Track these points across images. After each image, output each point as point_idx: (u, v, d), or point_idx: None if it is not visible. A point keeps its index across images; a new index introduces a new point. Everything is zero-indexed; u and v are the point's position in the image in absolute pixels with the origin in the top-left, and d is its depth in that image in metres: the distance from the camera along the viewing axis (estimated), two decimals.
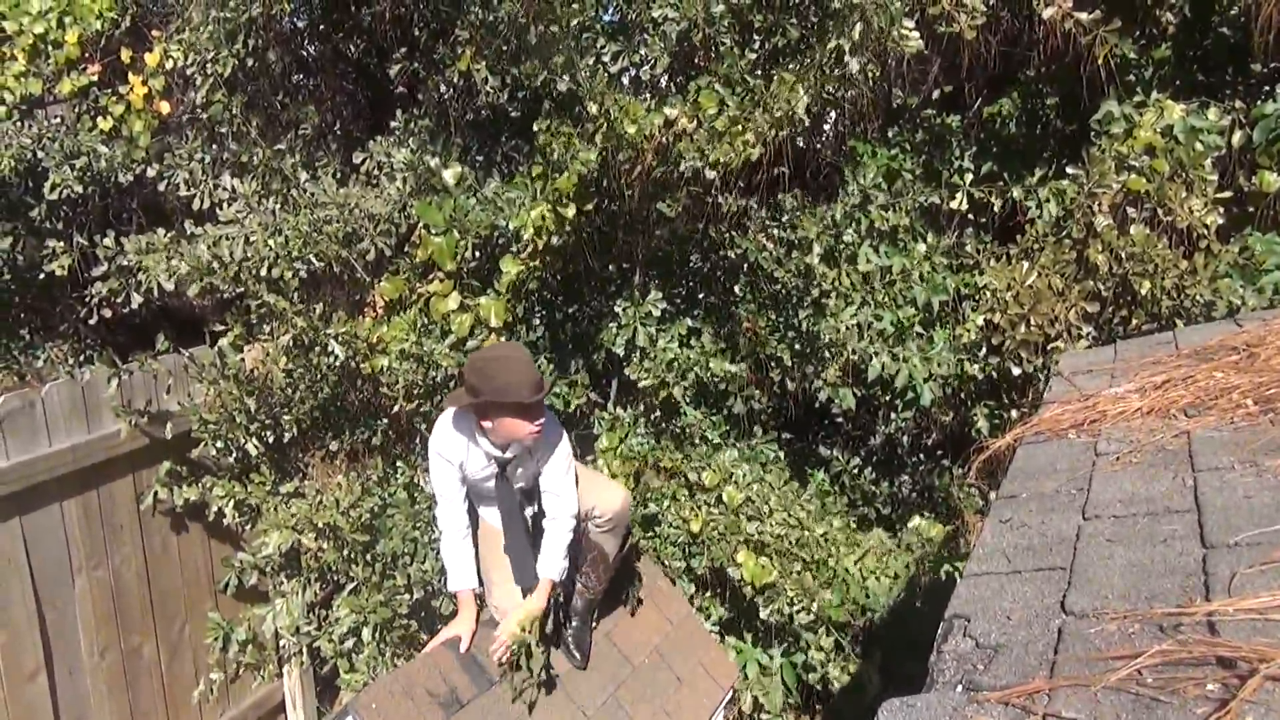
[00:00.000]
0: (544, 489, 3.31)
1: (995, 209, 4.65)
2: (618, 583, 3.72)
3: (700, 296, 4.69)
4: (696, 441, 4.42)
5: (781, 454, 4.64)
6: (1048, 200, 4.24)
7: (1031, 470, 2.23)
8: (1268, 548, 1.50)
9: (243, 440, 4.22)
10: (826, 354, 4.41)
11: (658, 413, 4.58)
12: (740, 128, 3.79)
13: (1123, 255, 3.92)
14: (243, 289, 4.01)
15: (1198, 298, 3.83)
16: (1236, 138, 4.21)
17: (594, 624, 3.63)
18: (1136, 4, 4.60)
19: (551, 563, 3.30)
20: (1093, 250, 3.98)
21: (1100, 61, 4.22)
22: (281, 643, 4.50)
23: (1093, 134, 4.27)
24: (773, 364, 4.57)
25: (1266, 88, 4.49)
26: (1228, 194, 4.08)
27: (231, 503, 4.24)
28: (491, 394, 3.01)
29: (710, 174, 3.87)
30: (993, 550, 1.85)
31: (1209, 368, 2.45)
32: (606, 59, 4.50)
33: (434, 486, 3.35)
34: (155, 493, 4.33)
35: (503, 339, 4.02)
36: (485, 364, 3.07)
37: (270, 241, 4.13)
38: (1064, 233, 4.15)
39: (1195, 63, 4.67)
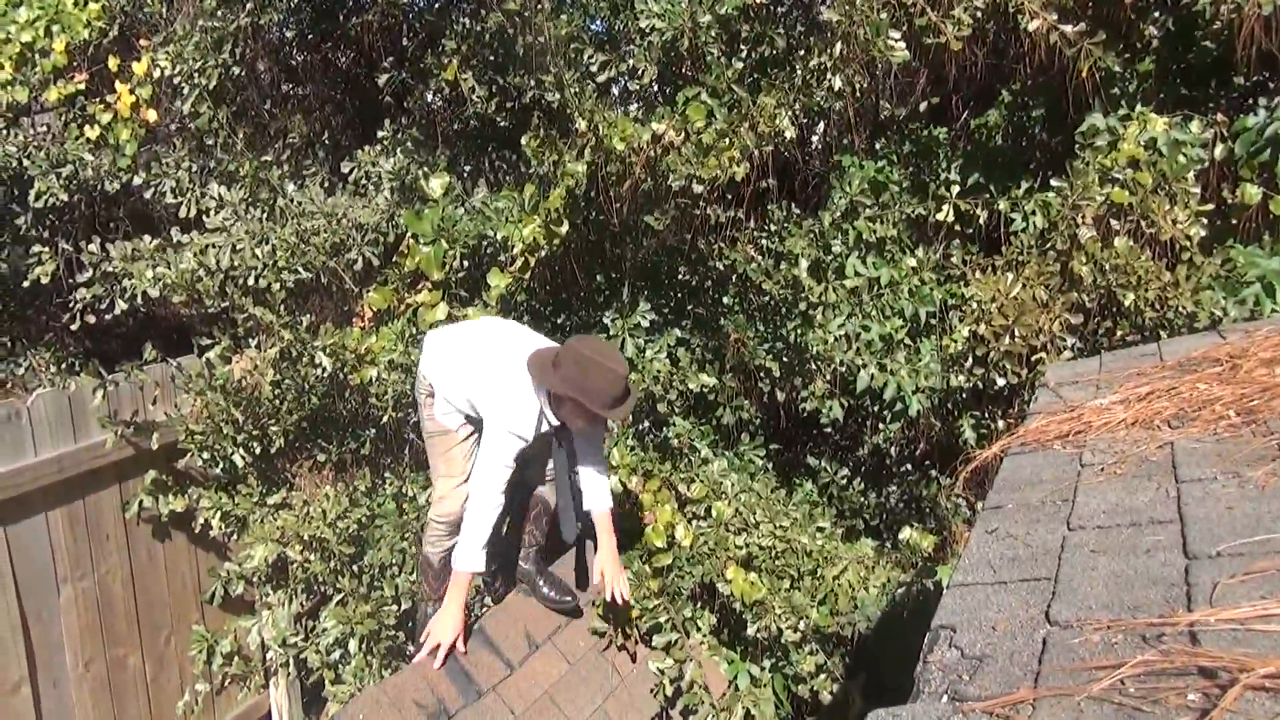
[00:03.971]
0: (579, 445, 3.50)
1: (981, 221, 4.68)
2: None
3: (689, 308, 4.71)
4: (685, 452, 4.43)
5: (769, 464, 4.65)
6: (1033, 212, 4.27)
7: (1017, 481, 2.24)
8: (1249, 558, 1.51)
9: (229, 451, 4.21)
10: (814, 365, 4.43)
11: (646, 423, 4.58)
12: (727, 142, 3.81)
13: (1106, 267, 3.95)
14: (228, 303, 4.01)
15: (1180, 309, 3.86)
16: (1219, 151, 4.25)
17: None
18: (1121, 18, 4.64)
19: (604, 497, 3.51)
20: (1076, 262, 4.01)
21: (1084, 74, 4.25)
22: (268, 654, 4.48)
23: (1077, 146, 4.31)
24: (761, 375, 4.58)
25: (1249, 101, 4.54)
26: (1210, 206, 4.11)
27: (218, 514, 4.23)
28: (575, 390, 3.10)
29: (698, 188, 3.88)
30: (979, 561, 1.86)
31: (1192, 379, 2.47)
32: (594, 69, 4.52)
33: (494, 459, 3.20)
34: (140, 502, 4.32)
35: None
36: (586, 360, 3.13)
37: (257, 250, 4.13)
38: (1048, 245, 4.18)
39: (1178, 76, 4.71)
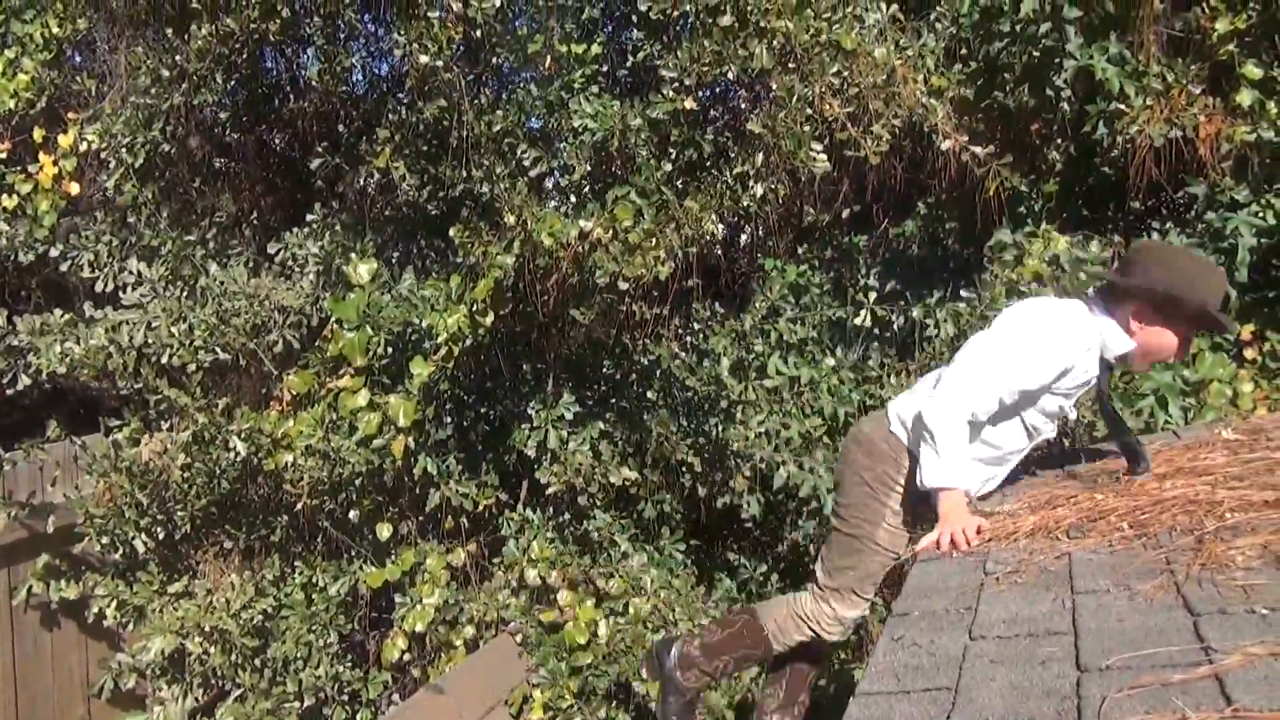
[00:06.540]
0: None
1: (896, 326, 4.85)
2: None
3: (613, 401, 4.74)
4: (605, 546, 4.41)
5: (689, 560, 4.65)
6: (945, 320, 4.45)
7: (924, 588, 2.29)
8: (1136, 672, 1.57)
9: (131, 536, 4.05)
10: (734, 461, 4.48)
11: (567, 515, 4.56)
12: (654, 241, 3.91)
13: None
14: (141, 383, 3.91)
15: (1080, 419, 4.03)
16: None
17: None
18: (1027, 142, 4.95)
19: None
20: None
21: (993, 193, 4.50)
22: None
23: (986, 259, 4.53)
24: (683, 469, 4.61)
25: (1142, 224, 4.85)
26: None
27: (114, 602, 4.04)
28: (1184, 291, 2.49)
29: (623, 285, 3.96)
30: (884, 669, 1.89)
31: (1089, 490, 2.58)
32: (526, 163, 4.61)
33: (1010, 371, 2.53)
34: (30, 588, 4.10)
35: (410, 439, 3.98)
36: (1179, 258, 2.67)
37: (174, 329, 4.06)
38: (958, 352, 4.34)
39: (1080, 198, 5.02)
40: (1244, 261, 4.10)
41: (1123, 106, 4.38)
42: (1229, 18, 4.46)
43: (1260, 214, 4.18)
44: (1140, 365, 2.76)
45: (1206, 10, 4.52)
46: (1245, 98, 4.36)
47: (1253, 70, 4.40)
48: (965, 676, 1.75)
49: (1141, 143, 4.35)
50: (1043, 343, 2.56)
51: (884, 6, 4.62)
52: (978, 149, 4.50)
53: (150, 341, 4.12)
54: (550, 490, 4.27)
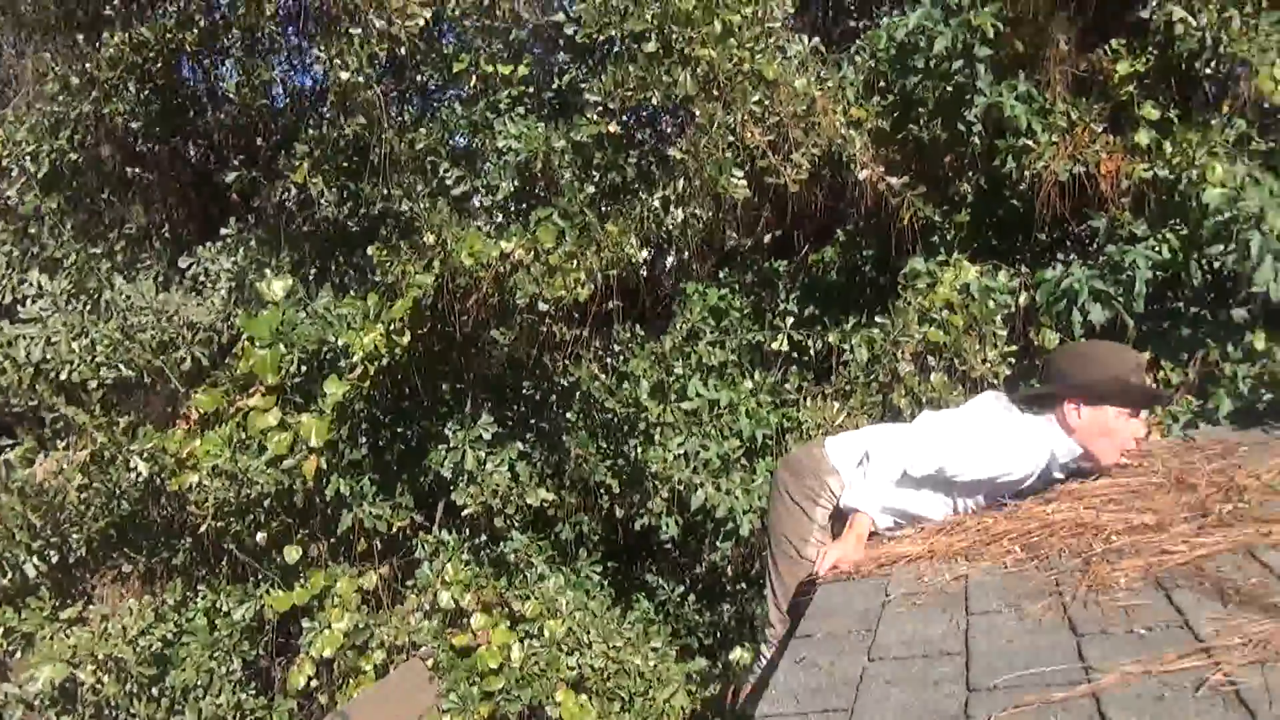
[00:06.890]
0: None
1: (813, 350, 4.93)
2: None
3: (531, 422, 4.72)
4: (521, 568, 4.37)
5: (606, 581, 4.63)
6: (859, 345, 4.54)
7: (828, 610, 2.32)
8: (1020, 691, 1.61)
9: (21, 559, 3.87)
10: (652, 483, 4.48)
11: (483, 537, 4.51)
12: (574, 263, 3.92)
13: (923, 400, 4.23)
14: (37, 401, 3.76)
15: None
16: (1023, 298, 4.66)
17: None
18: (940, 174, 5.09)
19: None
20: (896, 394, 4.27)
21: (907, 222, 4.63)
22: None
23: (899, 287, 4.64)
24: (601, 491, 4.60)
25: (1047, 256, 5.02)
26: (1015, 348, 4.48)
27: (0, 630, 3.85)
28: (1091, 374, 2.67)
29: (543, 306, 3.96)
30: (784, 691, 1.91)
31: (979, 515, 2.65)
32: (449, 182, 4.59)
33: (961, 458, 2.64)
34: None
35: (323, 460, 3.90)
36: (1078, 347, 3.03)
37: (74, 345, 3.92)
38: (872, 377, 4.44)
39: (990, 229, 5.17)
40: (1140, 293, 4.26)
41: (1030, 142, 4.54)
42: (1129, 60, 4.66)
43: (1156, 248, 4.35)
44: (1107, 456, 2.75)
45: (1109, 53, 4.72)
46: (1143, 137, 4.56)
47: (1150, 111, 4.60)
48: (861, 697, 1.78)
49: (1047, 177, 4.51)
50: (1000, 456, 2.66)
51: (805, 39, 4.74)
52: (894, 179, 4.62)
53: (49, 357, 3.97)
54: (466, 511, 4.23)
